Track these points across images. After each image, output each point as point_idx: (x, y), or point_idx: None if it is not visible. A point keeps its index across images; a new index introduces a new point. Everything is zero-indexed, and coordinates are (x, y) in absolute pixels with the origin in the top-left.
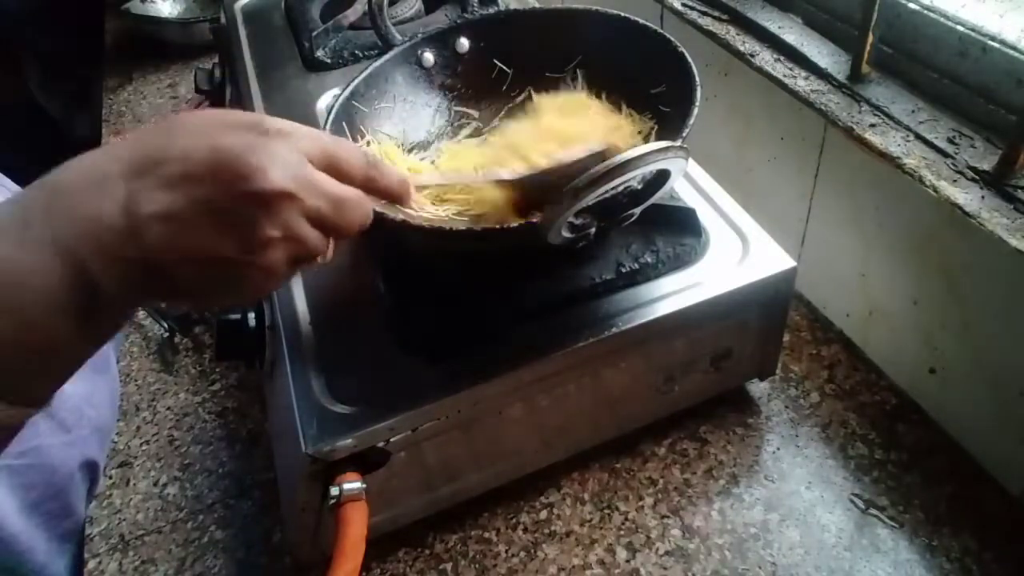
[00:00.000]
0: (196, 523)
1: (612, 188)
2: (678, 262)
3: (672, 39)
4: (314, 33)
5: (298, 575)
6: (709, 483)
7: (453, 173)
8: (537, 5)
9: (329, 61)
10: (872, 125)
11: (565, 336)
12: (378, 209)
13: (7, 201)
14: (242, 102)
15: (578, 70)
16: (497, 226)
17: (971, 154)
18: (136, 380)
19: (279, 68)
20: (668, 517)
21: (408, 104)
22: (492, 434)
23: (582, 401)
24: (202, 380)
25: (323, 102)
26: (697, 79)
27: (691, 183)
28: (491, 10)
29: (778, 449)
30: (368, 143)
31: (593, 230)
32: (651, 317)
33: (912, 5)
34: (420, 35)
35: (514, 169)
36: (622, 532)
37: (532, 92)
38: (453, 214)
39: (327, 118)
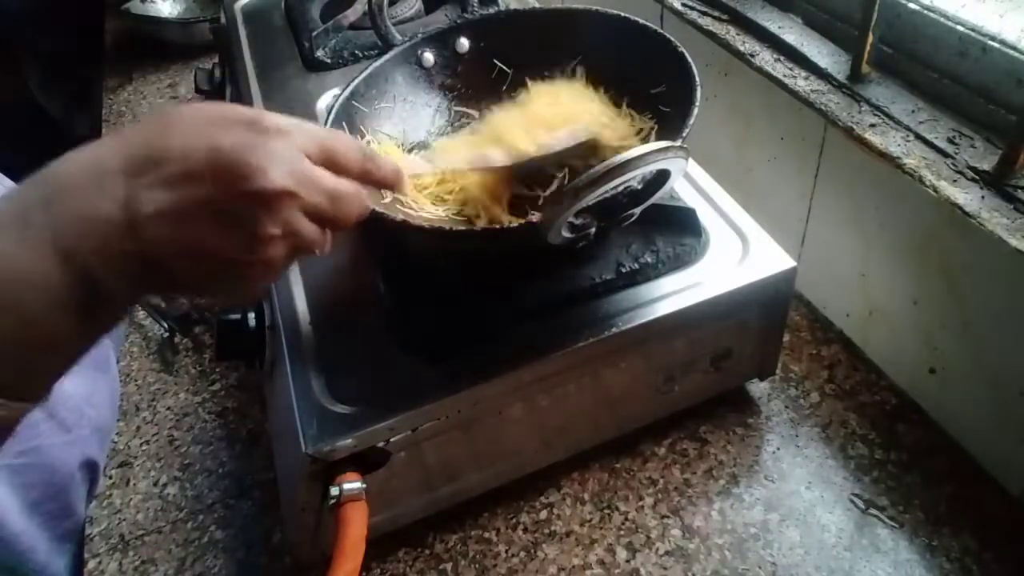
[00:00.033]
0: (196, 523)
1: (612, 188)
2: (678, 262)
3: (672, 39)
4: (314, 33)
5: (298, 575)
6: (709, 483)
7: (444, 162)
8: (537, 5)
9: (329, 61)
10: (872, 125)
11: (565, 336)
12: (378, 209)
13: (4, 197)
14: (242, 102)
15: (578, 69)
16: (497, 226)
17: (971, 154)
18: (136, 380)
19: (279, 68)
20: (668, 517)
21: (408, 104)
22: (492, 434)
23: (582, 401)
24: (202, 380)
25: (323, 102)
26: (697, 79)
27: (691, 183)
28: (491, 10)
29: (778, 449)
30: (368, 143)
31: (593, 230)
32: (651, 317)
33: (912, 5)
34: (420, 35)
35: (503, 157)
36: (622, 532)
37: (528, 81)
38: (452, 214)
39: (327, 118)
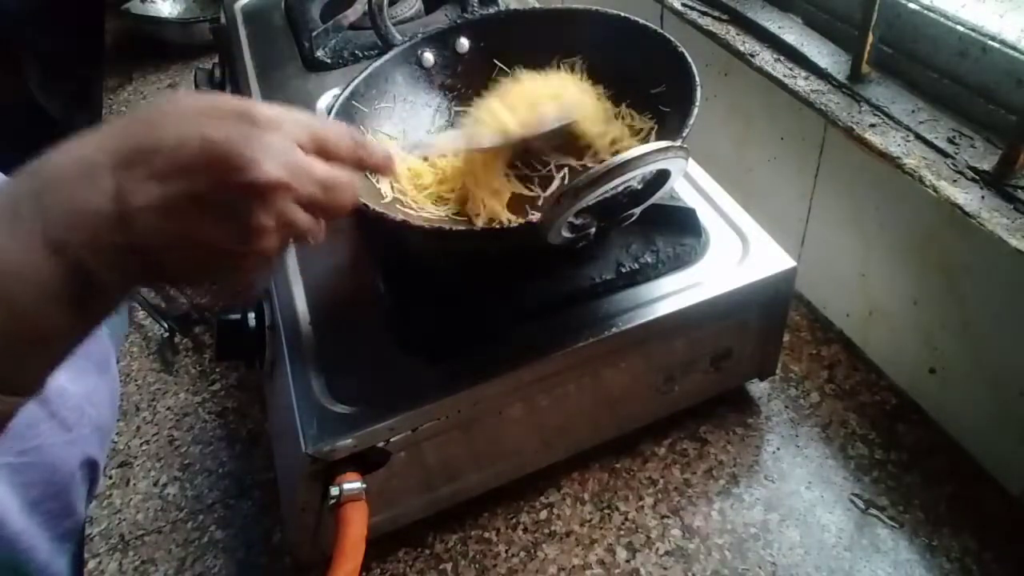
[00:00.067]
0: (196, 523)
1: (612, 188)
2: (678, 262)
3: (672, 39)
4: (314, 33)
5: (298, 575)
6: (709, 483)
7: (432, 147)
8: (537, 5)
9: (329, 61)
10: (872, 125)
11: (565, 336)
12: (378, 209)
13: None
14: None
15: (576, 66)
16: (497, 226)
17: (971, 154)
18: (136, 380)
19: (279, 68)
20: (668, 517)
21: (408, 104)
22: (492, 434)
23: (582, 401)
24: (202, 380)
25: (323, 102)
26: (697, 79)
27: (691, 183)
28: (491, 10)
29: (778, 449)
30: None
31: (593, 230)
32: (651, 317)
33: (912, 5)
34: (420, 35)
35: (491, 138)
36: (622, 532)
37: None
38: (452, 214)
39: (327, 118)
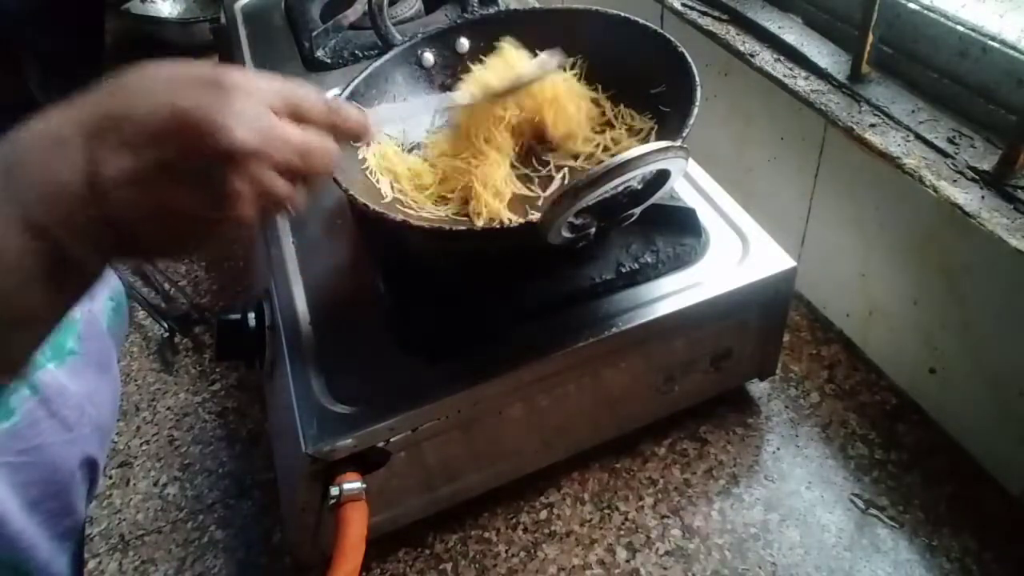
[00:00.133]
0: (196, 523)
1: (612, 188)
2: (678, 262)
3: (672, 39)
4: (314, 33)
5: (298, 575)
6: (709, 483)
7: (407, 106)
8: (537, 5)
9: (329, 61)
10: (872, 125)
11: (565, 336)
12: (378, 209)
13: None
14: None
15: (577, 66)
16: (497, 226)
17: (971, 154)
18: (136, 380)
19: (279, 68)
20: (668, 517)
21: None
22: (492, 434)
23: (582, 401)
24: (202, 380)
25: None
26: (697, 79)
27: (691, 183)
28: (491, 10)
29: (778, 449)
30: (368, 143)
31: (593, 230)
32: (651, 317)
33: (912, 5)
34: (420, 35)
35: (464, 95)
36: (622, 532)
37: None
38: (452, 214)
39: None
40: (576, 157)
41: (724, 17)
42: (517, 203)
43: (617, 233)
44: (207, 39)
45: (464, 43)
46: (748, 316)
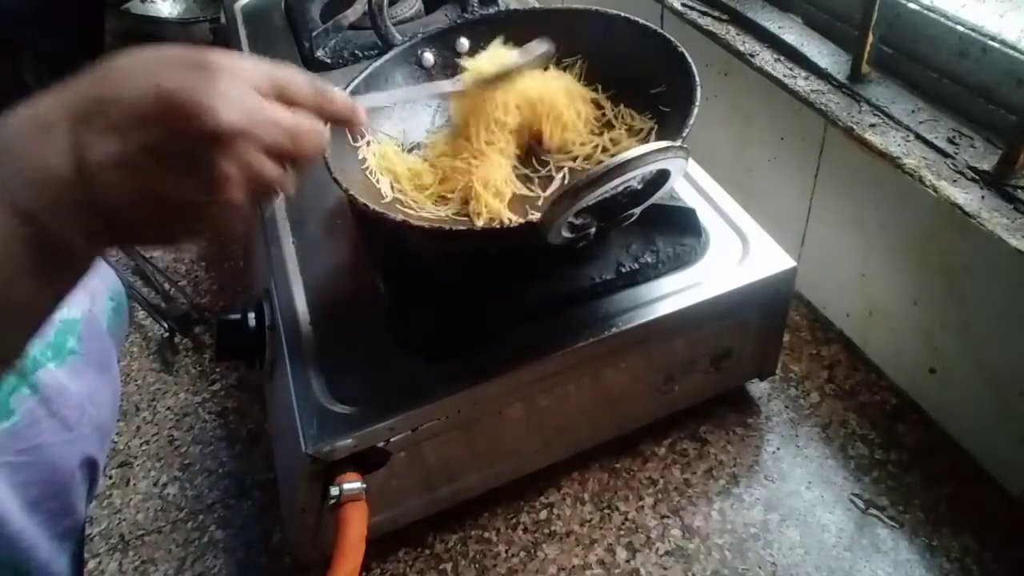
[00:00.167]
0: (196, 523)
1: (612, 188)
2: (678, 262)
3: (672, 39)
4: (314, 33)
5: (298, 575)
6: (709, 483)
7: (396, 92)
8: (537, 5)
9: (329, 61)
10: (872, 125)
11: (565, 336)
12: (378, 209)
13: None
14: None
15: (577, 65)
16: (497, 226)
17: (971, 154)
18: (136, 380)
19: None
20: (668, 517)
21: (408, 104)
22: (492, 434)
23: (582, 401)
24: (202, 380)
25: None
26: (697, 79)
27: (691, 183)
28: (491, 10)
29: (778, 449)
30: (368, 143)
31: (593, 230)
32: (651, 317)
33: (912, 5)
34: (420, 35)
35: (455, 83)
36: (622, 532)
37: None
38: (452, 214)
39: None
40: (576, 157)
41: (724, 17)
42: (517, 203)
43: (617, 233)
44: (207, 39)
45: (464, 43)
46: (748, 316)
